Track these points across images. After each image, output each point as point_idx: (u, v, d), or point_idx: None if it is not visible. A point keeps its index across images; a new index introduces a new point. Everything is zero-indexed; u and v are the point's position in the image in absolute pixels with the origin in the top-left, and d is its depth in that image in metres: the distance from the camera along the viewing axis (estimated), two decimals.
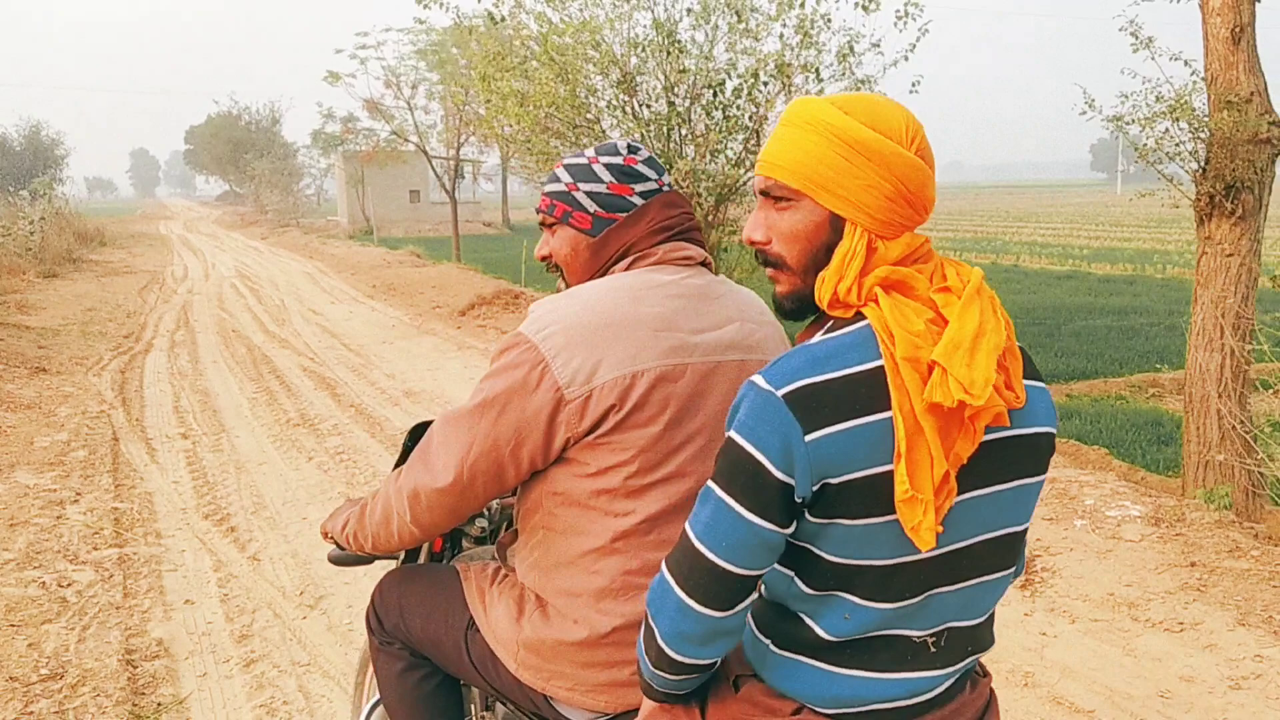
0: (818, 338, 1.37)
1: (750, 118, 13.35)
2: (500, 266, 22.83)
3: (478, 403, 1.74)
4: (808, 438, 1.28)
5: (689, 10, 12.84)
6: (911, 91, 13.46)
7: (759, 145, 13.49)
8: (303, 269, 23.23)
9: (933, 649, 1.41)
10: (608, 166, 1.88)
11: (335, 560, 2.33)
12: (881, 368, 1.30)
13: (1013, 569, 1.48)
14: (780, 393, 1.30)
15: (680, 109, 13.35)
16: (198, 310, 15.45)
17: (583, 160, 1.92)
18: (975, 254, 31.01)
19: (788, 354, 1.35)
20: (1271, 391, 7.03)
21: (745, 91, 13.27)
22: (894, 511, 1.30)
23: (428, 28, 28.85)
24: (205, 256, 28.85)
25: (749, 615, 1.47)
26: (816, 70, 13.02)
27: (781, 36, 12.88)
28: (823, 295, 1.39)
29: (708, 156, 13.14)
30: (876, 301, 1.35)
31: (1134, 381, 12.53)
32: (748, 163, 13.34)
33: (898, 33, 12.93)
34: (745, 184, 13.44)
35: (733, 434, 1.33)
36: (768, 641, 1.45)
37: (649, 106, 13.49)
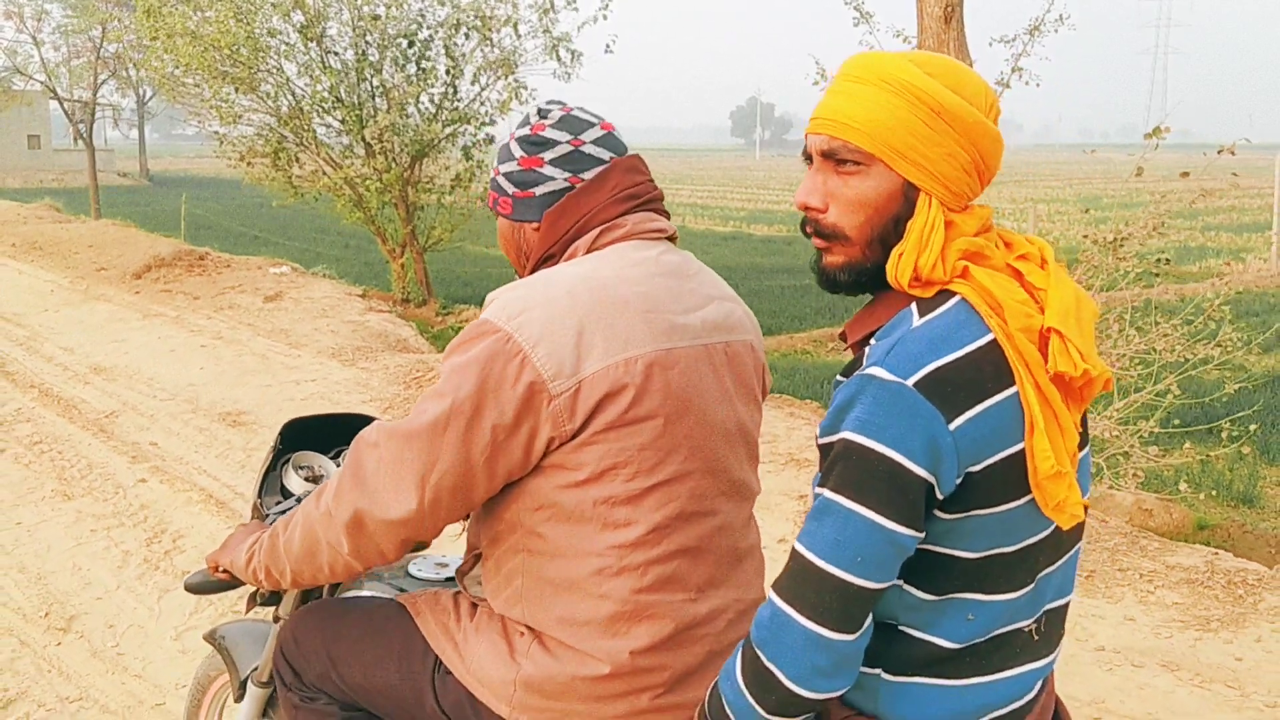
0: (921, 320, 1.24)
1: (446, 71, 12.92)
2: (157, 222, 20.81)
3: (442, 410, 1.46)
4: (952, 426, 1.17)
5: None
6: (607, 51, 13.58)
7: (457, 99, 13.12)
8: None
9: (1035, 637, 1.36)
10: (519, 140, 1.65)
11: (194, 588, 1.95)
12: (993, 342, 1.21)
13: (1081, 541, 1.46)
14: (911, 381, 1.17)
15: (372, 59, 12.66)
16: None
17: (506, 139, 1.69)
18: None
19: (898, 340, 1.22)
20: None
21: (442, 44, 12.82)
22: (1028, 492, 1.23)
23: None
24: None
25: None
26: (515, 25, 12.79)
27: None
28: (901, 272, 1.26)
29: (402, 110, 12.53)
30: (965, 275, 1.26)
31: (814, 336, 13.44)
32: (442, 118, 12.93)
33: None
34: (442, 140, 13.02)
35: (853, 436, 1.18)
36: (878, 671, 1.30)
37: (336, 54, 12.69)
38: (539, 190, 1.63)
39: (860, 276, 1.32)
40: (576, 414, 1.46)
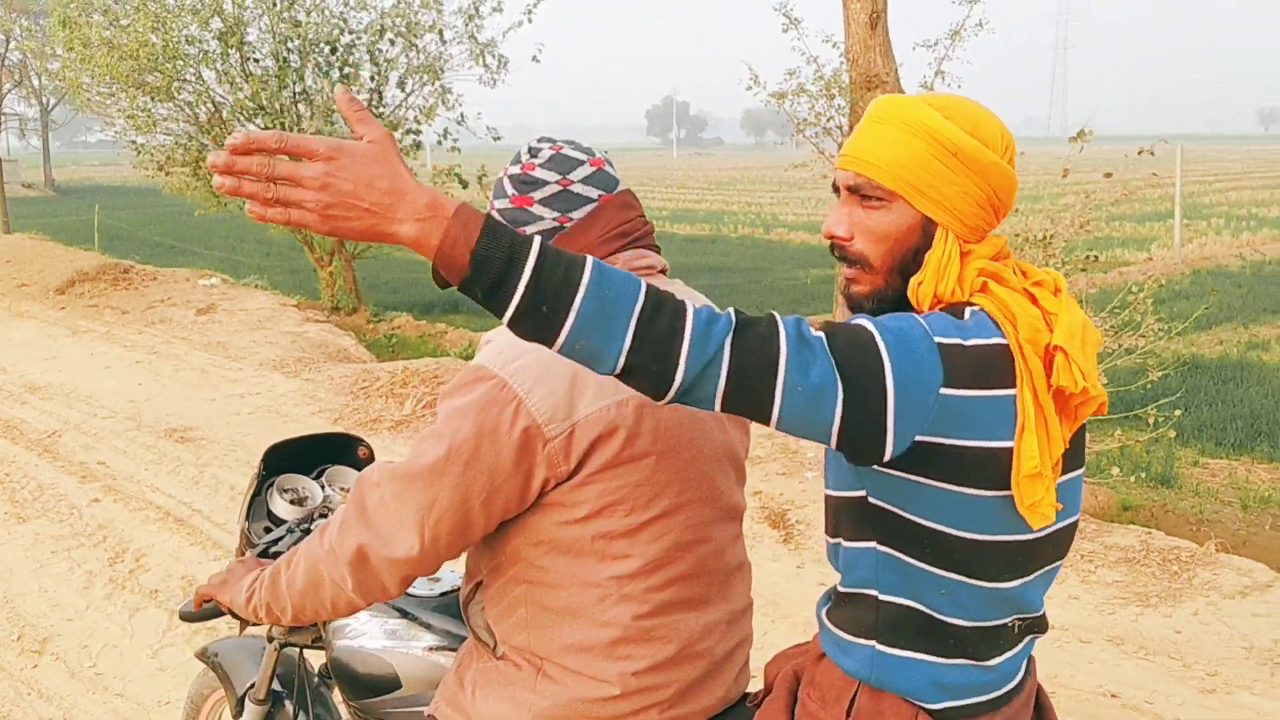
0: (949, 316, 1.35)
1: (371, 77, 12.84)
2: (69, 234, 20.22)
3: (440, 453, 1.52)
4: (943, 391, 1.27)
5: None
6: (534, 60, 13.54)
7: (382, 104, 13.05)
8: None
9: (1016, 631, 1.47)
10: (510, 178, 1.67)
11: (188, 616, 1.96)
12: (1006, 346, 1.32)
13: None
14: (938, 340, 1.28)
15: (294, 66, 12.51)
16: None
17: (502, 173, 1.71)
18: None
19: (927, 315, 1.33)
20: None
21: (366, 49, 12.74)
22: (1006, 487, 1.34)
23: None
24: None
25: (843, 626, 1.47)
26: (440, 31, 12.77)
27: None
28: (921, 298, 1.39)
29: (326, 117, 12.42)
30: (985, 290, 1.37)
31: None
32: None
33: None
34: None
35: (868, 325, 1.28)
36: (872, 643, 1.43)
37: (256, 60, 12.52)
38: (529, 229, 1.64)
39: (884, 304, 1.44)
40: (571, 456, 1.52)
